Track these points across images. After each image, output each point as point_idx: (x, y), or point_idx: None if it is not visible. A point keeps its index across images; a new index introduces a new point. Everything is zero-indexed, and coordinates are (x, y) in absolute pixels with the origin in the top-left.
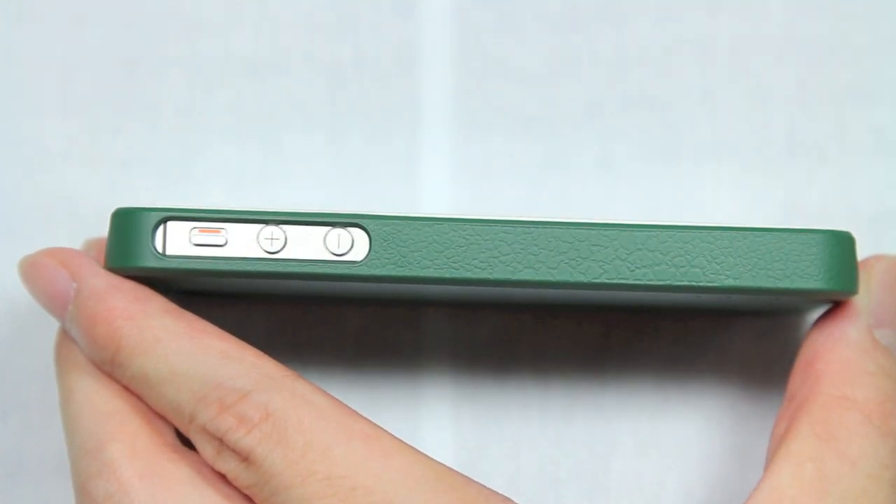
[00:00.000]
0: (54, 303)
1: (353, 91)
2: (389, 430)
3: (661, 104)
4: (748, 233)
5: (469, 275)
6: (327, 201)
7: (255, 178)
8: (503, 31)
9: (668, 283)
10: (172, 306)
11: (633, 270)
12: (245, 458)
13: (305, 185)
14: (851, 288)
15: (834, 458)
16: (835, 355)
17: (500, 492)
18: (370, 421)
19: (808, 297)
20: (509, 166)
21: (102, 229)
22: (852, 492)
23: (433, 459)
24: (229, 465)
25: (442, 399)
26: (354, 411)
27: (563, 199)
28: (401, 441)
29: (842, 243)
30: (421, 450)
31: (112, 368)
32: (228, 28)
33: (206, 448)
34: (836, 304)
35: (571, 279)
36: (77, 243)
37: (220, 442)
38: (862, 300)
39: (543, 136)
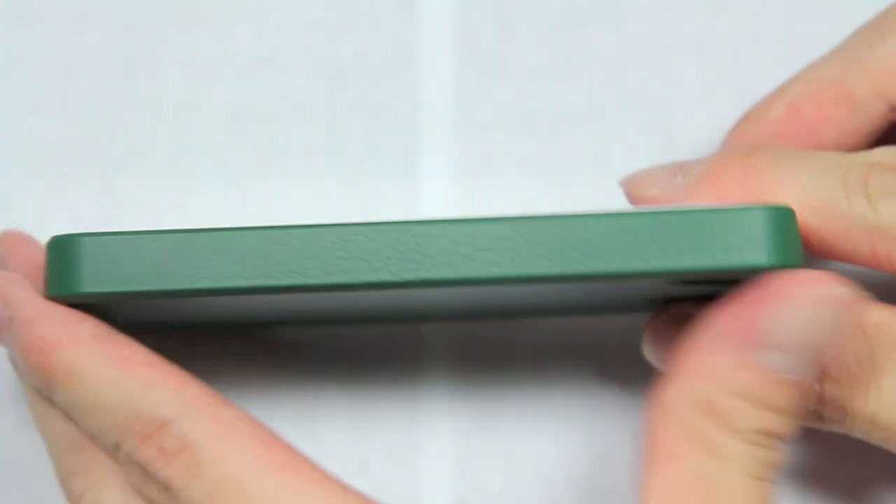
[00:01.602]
0: None
1: (352, 90)
2: (387, 435)
3: (661, 104)
4: (685, 212)
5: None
6: (327, 200)
7: (254, 177)
8: (503, 30)
9: (602, 269)
10: (103, 330)
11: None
12: (166, 488)
13: (305, 185)
14: (796, 262)
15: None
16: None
17: (496, 493)
18: (291, 449)
19: (749, 274)
20: (508, 165)
21: (100, 229)
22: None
23: (350, 490)
24: (153, 494)
25: (438, 397)
26: (278, 439)
27: (562, 198)
28: (320, 471)
29: (782, 217)
30: (416, 451)
31: (51, 396)
32: (228, 27)
33: (133, 475)
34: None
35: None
36: None
37: (144, 470)
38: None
39: (543, 135)
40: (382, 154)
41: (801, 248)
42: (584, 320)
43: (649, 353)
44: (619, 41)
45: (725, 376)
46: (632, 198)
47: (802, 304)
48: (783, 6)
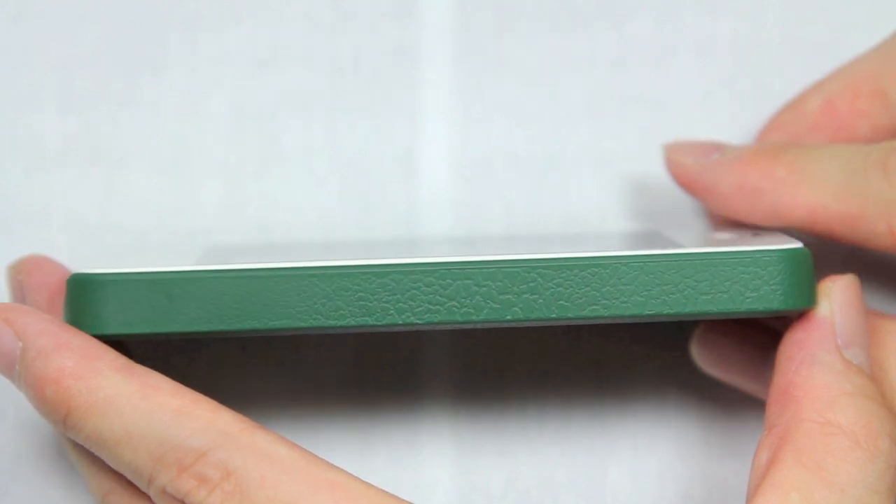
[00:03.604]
0: (1, 363)
1: (352, 90)
2: (389, 435)
3: (661, 104)
4: (702, 256)
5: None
6: (327, 200)
7: (254, 177)
8: (502, 29)
9: (619, 313)
10: (123, 362)
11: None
12: None
13: (304, 184)
14: (810, 304)
15: (822, 487)
16: (810, 381)
17: (498, 496)
18: (336, 468)
19: (769, 315)
20: (508, 164)
21: (100, 228)
22: None
23: (402, 501)
24: None
25: (440, 404)
26: (318, 459)
27: (562, 199)
28: (368, 486)
29: (798, 259)
30: (418, 455)
31: (66, 430)
32: (228, 27)
33: None
34: (800, 328)
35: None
36: (75, 242)
37: (182, 502)
38: (826, 320)
39: (543, 135)
40: (382, 153)
41: (815, 286)
42: (585, 326)
43: (699, 355)
44: (619, 41)
45: (834, 383)
46: (668, 161)
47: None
48: (783, 7)
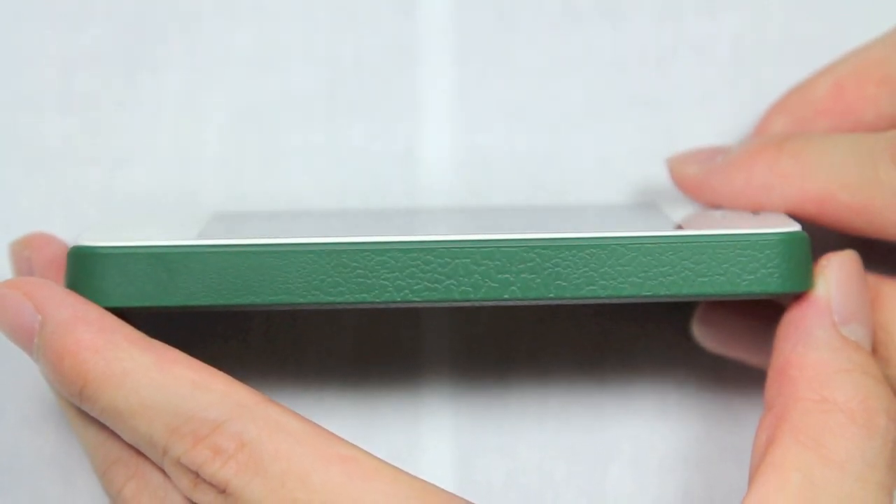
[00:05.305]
0: (20, 336)
1: (352, 90)
2: (389, 429)
3: (661, 104)
4: (700, 239)
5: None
6: (327, 200)
7: (254, 176)
8: (502, 29)
9: (617, 293)
10: (139, 336)
11: (590, 285)
12: (223, 490)
13: (304, 183)
14: (808, 286)
15: (821, 465)
16: (806, 358)
17: (498, 492)
18: (348, 442)
19: (766, 297)
20: (508, 164)
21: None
22: (841, 497)
23: (415, 477)
24: (207, 498)
25: (441, 398)
26: (331, 433)
27: (562, 199)
28: (380, 461)
29: (795, 243)
30: (418, 449)
31: (81, 402)
32: (228, 27)
33: (181, 480)
34: (797, 308)
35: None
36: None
37: (196, 475)
38: (822, 299)
39: (543, 135)
40: (382, 153)
41: (812, 269)
42: (585, 320)
43: (701, 333)
44: (619, 41)
45: (830, 360)
46: (672, 173)
47: (852, 275)
48: (783, 7)
